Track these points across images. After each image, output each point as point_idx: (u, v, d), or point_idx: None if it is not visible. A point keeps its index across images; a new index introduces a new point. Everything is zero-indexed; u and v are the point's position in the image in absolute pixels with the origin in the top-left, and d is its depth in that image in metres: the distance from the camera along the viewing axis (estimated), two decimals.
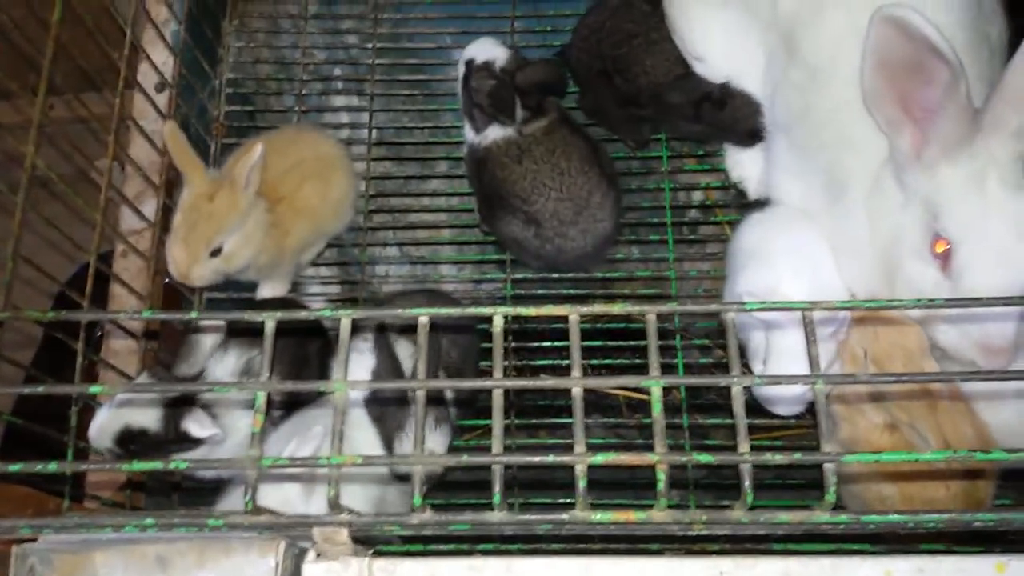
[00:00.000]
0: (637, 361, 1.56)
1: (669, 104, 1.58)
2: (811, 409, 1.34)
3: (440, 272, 1.92)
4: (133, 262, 1.53)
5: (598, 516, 0.71)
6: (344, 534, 0.76)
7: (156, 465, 0.68)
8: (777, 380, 0.83)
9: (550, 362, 1.60)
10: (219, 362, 1.34)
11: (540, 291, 1.69)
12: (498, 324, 0.75)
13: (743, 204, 1.62)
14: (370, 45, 1.84)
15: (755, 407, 1.33)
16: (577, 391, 0.72)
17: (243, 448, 1.26)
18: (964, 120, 1.12)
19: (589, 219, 1.54)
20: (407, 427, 1.26)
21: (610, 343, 1.59)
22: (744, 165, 1.62)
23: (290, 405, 1.37)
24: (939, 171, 1.15)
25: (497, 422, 0.71)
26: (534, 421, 1.61)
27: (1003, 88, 1.09)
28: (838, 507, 0.69)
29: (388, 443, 1.28)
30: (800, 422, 1.44)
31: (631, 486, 1.55)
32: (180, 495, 1.52)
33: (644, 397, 1.67)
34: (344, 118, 1.90)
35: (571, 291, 1.69)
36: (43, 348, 1.88)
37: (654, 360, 0.74)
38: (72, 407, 1.28)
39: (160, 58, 1.62)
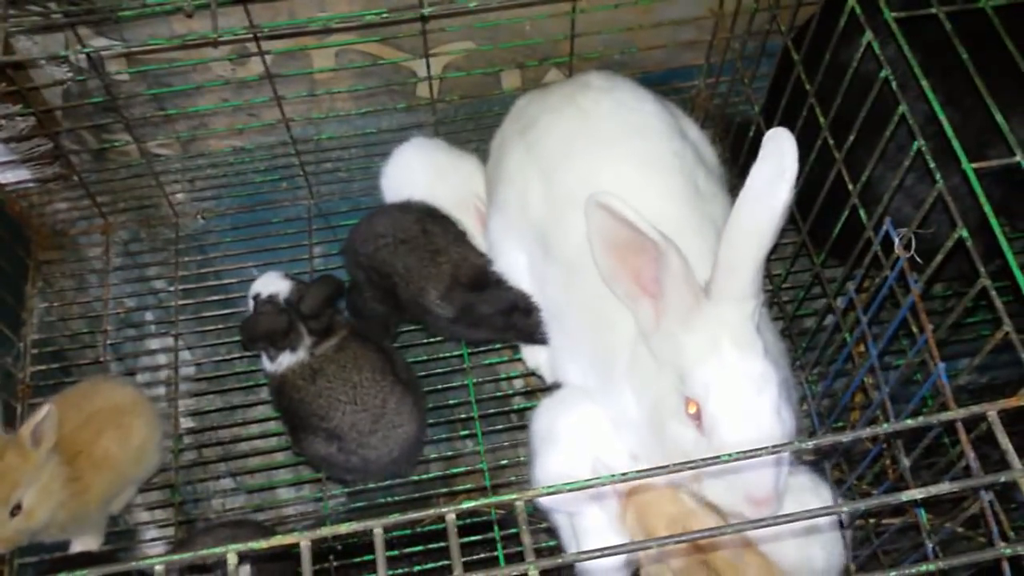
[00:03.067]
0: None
1: (480, 315, 1.69)
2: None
3: (278, 496, 1.93)
4: None
5: None
6: None
7: None
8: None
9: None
10: None
11: (381, 499, 1.73)
12: (304, 548, 0.78)
13: (543, 389, 1.72)
14: (174, 288, 1.92)
15: None
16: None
17: None
18: (691, 291, 1.24)
19: (388, 426, 1.60)
20: None
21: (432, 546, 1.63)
22: (536, 353, 1.73)
23: None
24: (679, 338, 1.26)
25: None
26: None
27: (719, 260, 1.23)
28: None
29: None
30: None
31: None
32: None
33: None
34: (161, 359, 1.94)
35: (414, 495, 1.73)
36: None
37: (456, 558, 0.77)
38: None
39: None
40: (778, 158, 1.21)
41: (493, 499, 0.84)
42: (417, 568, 1.65)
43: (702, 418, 1.23)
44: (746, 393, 1.22)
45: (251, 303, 1.69)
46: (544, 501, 1.43)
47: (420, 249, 1.67)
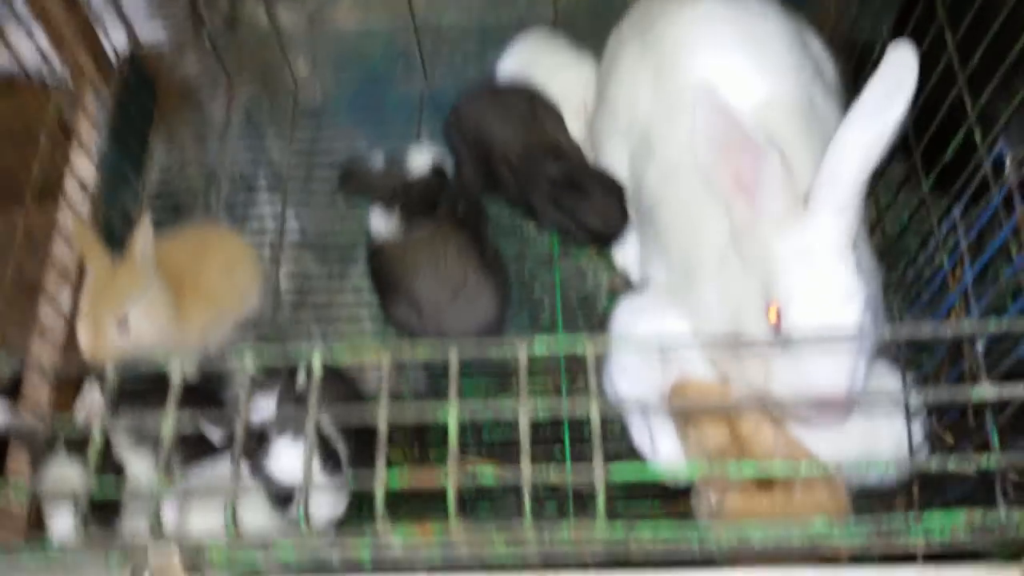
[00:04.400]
0: None
1: (574, 203, 1.72)
2: None
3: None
4: (47, 351, 1.63)
5: (405, 538, 0.79)
6: (174, 560, 0.83)
7: None
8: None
9: None
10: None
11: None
12: (386, 364, 0.84)
13: (630, 287, 1.75)
14: (287, 155, 2.00)
15: None
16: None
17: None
18: (789, 197, 1.24)
19: (465, 303, 1.67)
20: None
21: None
22: (626, 250, 1.75)
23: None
24: (770, 243, 1.26)
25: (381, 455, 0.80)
26: None
27: (823, 170, 1.23)
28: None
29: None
30: None
31: None
32: None
33: None
34: (268, 221, 2.03)
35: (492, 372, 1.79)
36: None
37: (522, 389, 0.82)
38: None
39: (82, 166, 1.77)
40: (898, 73, 1.19)
41: (561, 344, 0.87)
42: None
43: (782, 325, 1.24)
44: (831, 304, 1.22)
45: (379, 162, 1.74)
46: (620, 389, 1.47)
47: (527, 128, 1.70)
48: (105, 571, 0.83)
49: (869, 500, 1.47)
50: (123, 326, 1.50)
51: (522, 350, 0.84)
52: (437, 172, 1.77)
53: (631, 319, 1.52)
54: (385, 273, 1.72)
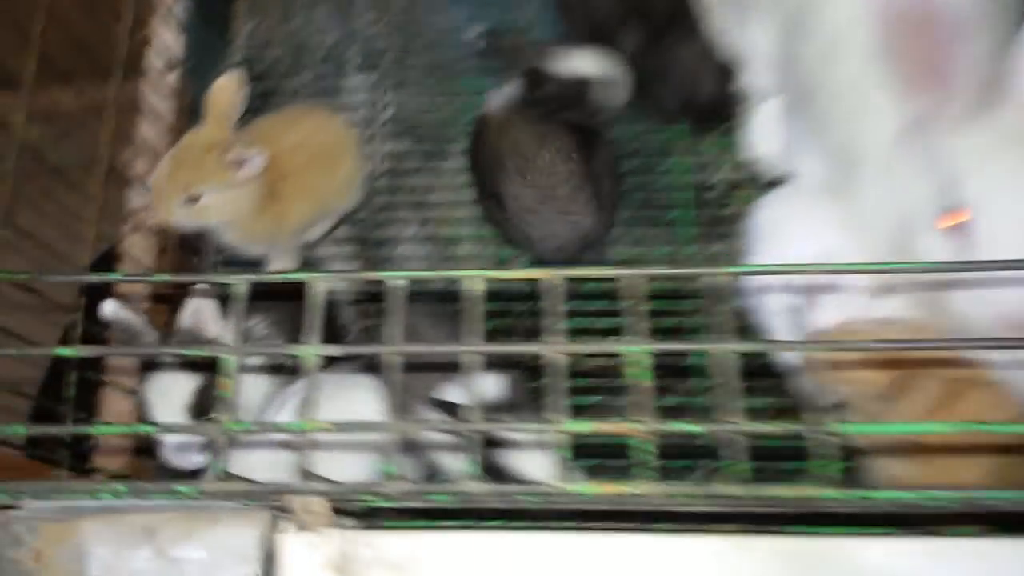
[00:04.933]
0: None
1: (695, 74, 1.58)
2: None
3: (459, 251, 1.91)
4: (139, 239, 1.54)
5: (581, 488, 0.68)
6: (321, 504, 0.74)
7: (120, 428, 0.67)
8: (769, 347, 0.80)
9: None
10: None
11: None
12: (478, 287, 0.73)
13: (764, 183, 1.58)
14: (383, 25, 1.84)
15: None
16: (556, 356, 0.69)
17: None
18: (983, 87, 1.08)
19: (554, 210, 1.53)
20: (419, 395, 1.24)
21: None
22: (769, 139, 1.57)
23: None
24: (956, 140, 1.10)
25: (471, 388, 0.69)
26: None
27: None
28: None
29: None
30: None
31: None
32: None
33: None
34: (359, 98, 1.89)
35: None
36: None
37: (637, 324, 0.71)
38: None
39: (168, 38, 1.63)
40: None
41: (687, 271, 0.74)
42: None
43: (970, 230, 1.09)
44: None
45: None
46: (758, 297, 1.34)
47: None
48: (243, 514, 0.75)
49: None
50: (193, 202, 1.40)
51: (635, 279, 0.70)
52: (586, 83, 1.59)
53: (779, 217, 1.37)
54: (477, 157, 1.59)
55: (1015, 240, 1.06)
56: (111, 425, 0.72)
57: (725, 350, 0.68)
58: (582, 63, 1.59)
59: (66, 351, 0.70)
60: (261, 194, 1.45)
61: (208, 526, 0.77)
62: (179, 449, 1.24)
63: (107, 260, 1.55)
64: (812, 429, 0.65)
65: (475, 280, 0.73)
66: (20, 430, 0.69)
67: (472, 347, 0.69)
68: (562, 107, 1.56)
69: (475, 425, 0.68)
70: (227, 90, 1.42)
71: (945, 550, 0.70)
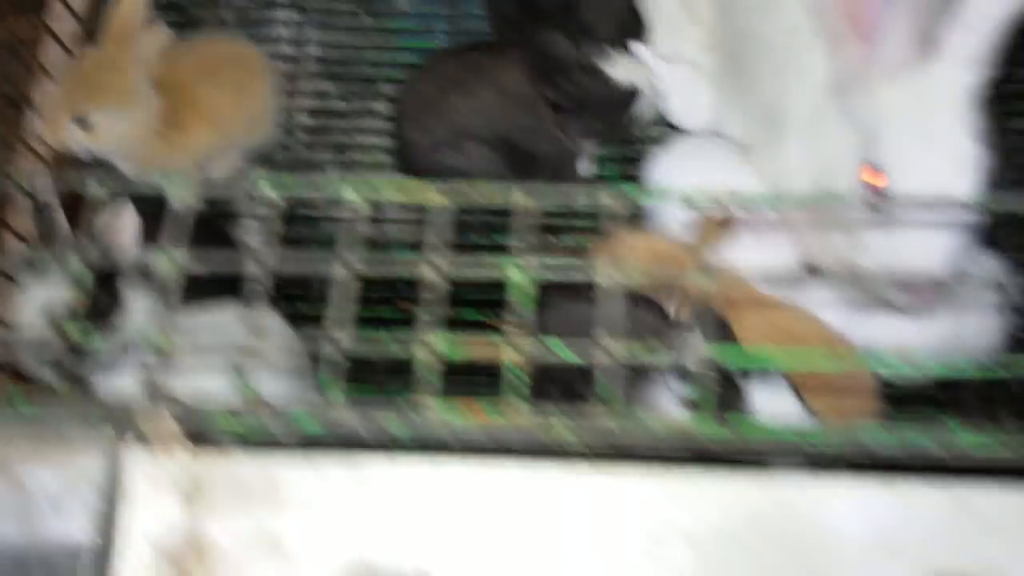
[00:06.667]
0: None
1: None
2: None
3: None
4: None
5: (450, 415, 0.64)
6: (170, 424, 0.69)
7: None
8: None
9: None
10: None
11: None
12: (354, 199, 0.68)
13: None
14: None
15: None
16: (433, 276, 0.65)
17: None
18: (913, 41, 1.06)
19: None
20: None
21: None
22: (684, 94, 1.53)
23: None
24: (880, 94, 1.09)
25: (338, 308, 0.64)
26: None
27: (967, 11, 1.05)
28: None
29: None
30: None
31: None
32: None
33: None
34: (283, 31, 1.81)
35: None
36: None
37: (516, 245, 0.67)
38: None
39: None
40: None
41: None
42: None
43: (884, 189, 1.07)
44: (944, 170, 1.05)
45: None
46: None
47: None
48: (90, 434, 0.70)
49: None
50: (85, 124, 1.33)
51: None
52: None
53: (682, 165, 1.35)
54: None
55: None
56: None
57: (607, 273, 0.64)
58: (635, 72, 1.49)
59: None
60: (161, 121, 1.39)
61: (53, 447, 0.72)
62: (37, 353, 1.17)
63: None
64: (681, 354, 0.61)
65: (350, 192, 0.68)
66: None
67: (347, 266, 0.64)
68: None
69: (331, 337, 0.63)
70: (128, 8, 1.34)
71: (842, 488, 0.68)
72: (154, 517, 0.70)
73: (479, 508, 0.68)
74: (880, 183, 1.07)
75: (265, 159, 1.64)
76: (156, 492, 0.70)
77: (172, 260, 0.66)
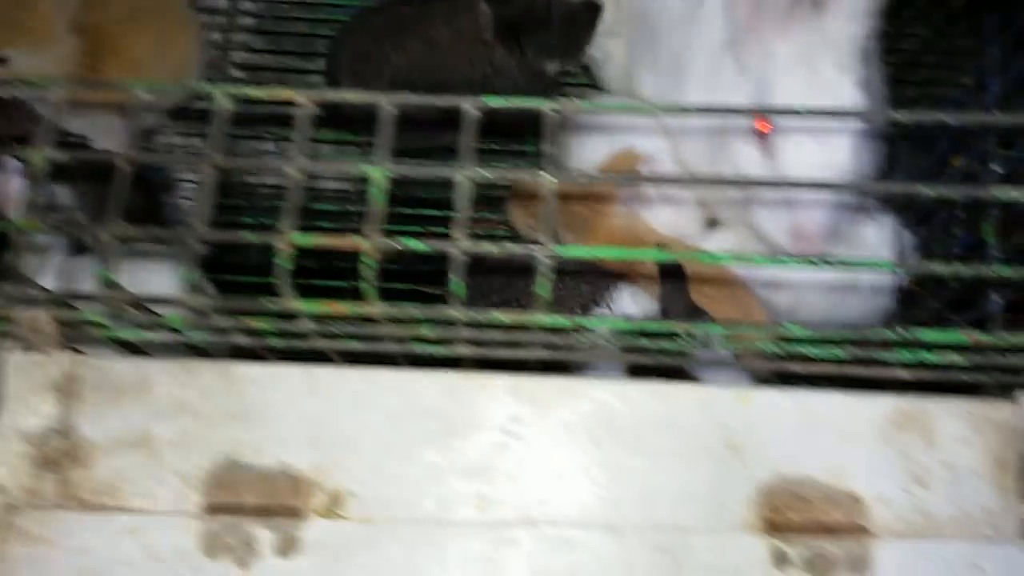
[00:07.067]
0: None
1: None
2: None
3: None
4: None
5: (303, 306, 0.67)
6: (46, 322, 0.71)
7: None
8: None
9: None
10: None
11: None
12: (224, 104, 0.70)
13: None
14: None
15: None
16: (293, 174, 0.68)
17: None
18: None
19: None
20: None
21: None
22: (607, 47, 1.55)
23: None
24: (770, 44, 1.13)
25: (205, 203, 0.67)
26: None
27: None
28: None
29: None
30: None
31: None
32: None
33: None
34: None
35: None
36: None
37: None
38: None
39: None
40: None
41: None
42: None
43: (773, 138, 1.11)
44: (826, 120, 1.08)
45: None
46: None
47: None
48: None
49: None
50: (2, 63, 1.33)
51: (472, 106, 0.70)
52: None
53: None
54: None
55: (807, 146, 1.09)
56: None
57: (462, 174, 0.68)
58: None
59: None
60: (80, 65, 1.39)
61: None
62: None
63: None
64: (533, 249, 0.64)
65: (221, 96, 0.71)
66: None
67: (214, 161, 0.67)
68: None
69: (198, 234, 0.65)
70: None
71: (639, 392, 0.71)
72: (29, 414, 0.72)
73: (343, 407, 0.72)
74: (768, 133, 1.12)
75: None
76: (31, 390, 0.72)
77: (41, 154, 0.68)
